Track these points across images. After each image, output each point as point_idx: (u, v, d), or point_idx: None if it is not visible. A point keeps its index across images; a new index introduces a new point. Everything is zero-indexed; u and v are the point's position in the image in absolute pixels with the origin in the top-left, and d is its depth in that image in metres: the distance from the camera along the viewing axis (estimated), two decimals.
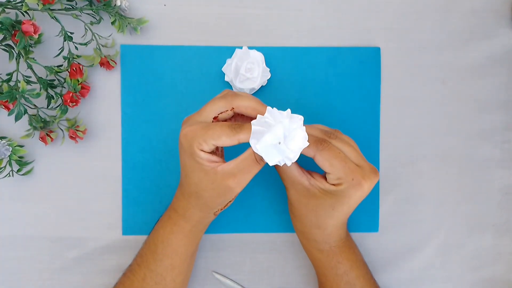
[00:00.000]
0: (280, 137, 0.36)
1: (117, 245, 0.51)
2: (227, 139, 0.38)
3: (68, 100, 0.47)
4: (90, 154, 0.51)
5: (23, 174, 0.50)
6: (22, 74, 0.47)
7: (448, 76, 0.53)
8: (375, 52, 0.52)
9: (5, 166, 0.49)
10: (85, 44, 0.48)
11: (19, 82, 0.46)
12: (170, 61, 0.51)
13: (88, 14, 0.49)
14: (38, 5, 0.44)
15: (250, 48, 0.50)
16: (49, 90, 0.48)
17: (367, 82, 0.52)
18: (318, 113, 0.52)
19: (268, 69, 0.51)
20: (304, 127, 0.37)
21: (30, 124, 0.48)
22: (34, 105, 0.48)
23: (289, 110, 0.38)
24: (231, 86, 0.51)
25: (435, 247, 0.53)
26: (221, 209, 0.44)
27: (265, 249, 0.52)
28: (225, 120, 0.42)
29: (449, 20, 0.53)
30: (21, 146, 0.49)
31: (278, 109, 0.38)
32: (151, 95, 0.51)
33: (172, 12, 0.51)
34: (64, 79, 0.48)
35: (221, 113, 0.40)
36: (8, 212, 0.51)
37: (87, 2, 0.48)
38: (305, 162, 0.43)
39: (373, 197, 0.52)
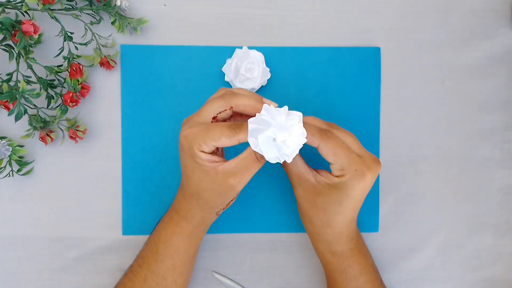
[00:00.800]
0: (276, 134, 0.37)
1: (117, 245, 0.51)
2: (227, 140, 0.38)
3: (68, 100, 0.47)
4: (90, 154, 0.51)
5: (23, 174, 0.50)
6: (22, 74, 0.47)
7: (448, 76, 0.53)
8: (375, 52, 0.52)
9: (5, 166, 0.49)
10: (85, 44, 0.48)
11: (19, 82, 0.46)
12: (170, 61, 0.51)
13: (88, 14, 0.49)
14: (38, 5, 0.44)
15: (250, 48, 0.50)
16: (49, 90, 0.48)
17: (367, 82, 0.52)
18: (318, 113, 0.52)
19: (268, 69, 0.51)
20: (302, 124, 0.37)
21: (30, 124, 0.48)
22: (34, 105, 0.48)
23: (286, 107, 0.38)
24: (231, 86, 0.51)
25: (435, 247, 0.53)
26: (222, 209, 0.44)
27: (265, 249, 0.52)
28: (224, 120, 0.42)
29: (449, 20, 0.53)
30: (21, 146, 0.49)
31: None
32: (151, 95, 0.51)
33: (172, 12, 0.51)
34: (64, 79, 0.48)
35: (220, 112, 0.40)
36: (8, 212, 0.51)
37: (87, 2, 0.48)
38: (310, 161, 0.43)
39: (373, 197, 0.52)
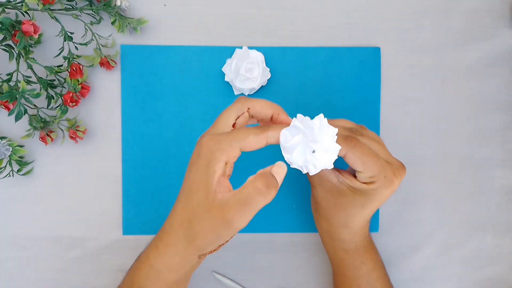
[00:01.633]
0: (316, 146, 0.35)
1: (117, 245, 0.51)
2: (254, 138, 0.35)
3: (68, 100, 0.47)
4: (90, 154, 0.51)
5: (23, 174, 0.50)
6: (22, 74, 0.47)
7: (448, 76, 0.53)
8: (375, 52, 0.52)
9: (5, 166, 0.49)
10: (85, 44, 0.48)
11: (19, 82, 0.46)
12: (170, 61, 0.51)
13: (88, 14, 0.49)
14: (38, 5, 0.44)
15: (250, 48, 0.50)
16: (49, 90, 0.48)
17: (367, 82, 0.52)
18: (318, 113, 0.51)
19: (268, 69, 0.51)
20: (335, 139, 0.36)
21: (30, 124, 0.48)
22: (34, 105, 0.48)
23: (321, 115, 0.36)
24: (231, 86, 0.51)
25: (435, 247, 0.53)
26: (208, 253, 0.38)
27: (265, 249, 0.52)
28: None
29: (449, 20, 0.53)
30: (21, 146, 0.49)
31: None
32: (151, 95, 0.51)
33: (172, 12, 0.51)
34: (64, 79, 0.48)
35: (238, 117, 0.39)
36: (8, 212, 0.51)
37: (87, 2, 0.48)
38: None
39: None
